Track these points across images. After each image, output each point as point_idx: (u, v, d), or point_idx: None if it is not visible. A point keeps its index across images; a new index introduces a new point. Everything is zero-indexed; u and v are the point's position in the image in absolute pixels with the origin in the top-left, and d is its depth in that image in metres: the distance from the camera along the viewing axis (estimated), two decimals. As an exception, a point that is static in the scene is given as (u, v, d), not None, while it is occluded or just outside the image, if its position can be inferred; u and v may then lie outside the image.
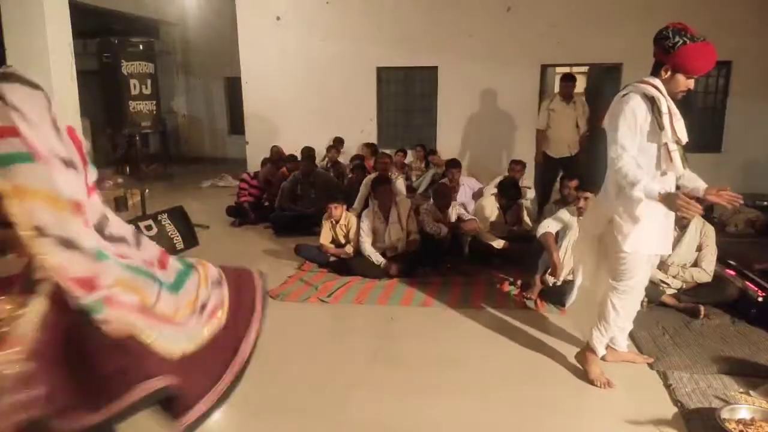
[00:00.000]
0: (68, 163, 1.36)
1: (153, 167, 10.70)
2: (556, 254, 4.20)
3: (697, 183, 2.80)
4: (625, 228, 2.80)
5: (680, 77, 2.71)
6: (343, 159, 8.47)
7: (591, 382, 2.99)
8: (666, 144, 2.70)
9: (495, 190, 5.62)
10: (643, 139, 2.72)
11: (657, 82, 2.74)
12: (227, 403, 1.64)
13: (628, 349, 3.29)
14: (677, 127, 2.71)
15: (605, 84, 8.99)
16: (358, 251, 5.00)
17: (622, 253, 2.83)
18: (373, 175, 6.42)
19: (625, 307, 2.97)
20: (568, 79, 6.49)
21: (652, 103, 2.69)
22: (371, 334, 3.77)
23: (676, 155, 2.71)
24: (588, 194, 4.12)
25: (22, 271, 1.37)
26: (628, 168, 2.65)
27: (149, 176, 10.12)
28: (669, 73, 2.72)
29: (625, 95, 2.77)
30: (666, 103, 2.70)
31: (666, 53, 2.68)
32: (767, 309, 3.72)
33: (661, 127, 2.68)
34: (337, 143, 8.84)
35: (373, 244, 4.97)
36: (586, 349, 3.10)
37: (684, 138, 2.74)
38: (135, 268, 1.49)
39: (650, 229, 2.80)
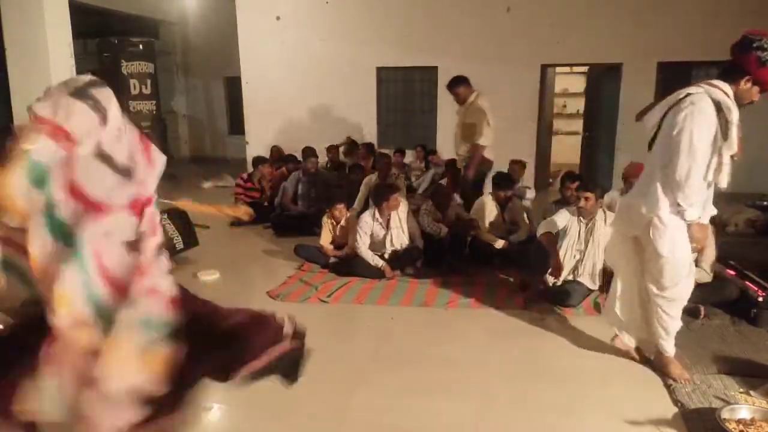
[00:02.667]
0: (120, 168, 1.58)
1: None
2: (556, 254, 4.20)
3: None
4: (663, 232, 2.78)
5: (755, 90, 2.66)
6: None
7: (673, 380, 2.98)
8: (722, 155, 2.65)
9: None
10: (707, 143, 2.67)
11: (728, 88, 2.66)
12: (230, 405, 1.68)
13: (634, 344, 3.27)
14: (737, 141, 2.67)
15: (605, 84, 8.99)
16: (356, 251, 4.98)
17: (663, 259, 2.81)
18: (374, 176, 6.42)
19: (676, 309, 2.97)
20: (449, 85, 5.68)
21: (718, 109, 2.62)
22: (371, 334, 3.77)
23: (727, 169, 2.67)
24: (588, 194, 4.12)
25: None
26: (698, 187, 2.65)
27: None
28: (749, 84, 2.65)
29: (691, 95, 2.68)
30: (735, 114, 2.62)
31: (761, 65, 2.59)
32: (767, 309, 3.72)
33: (726, 138, 2.61)
34: (351, 146, 8.81)
35: (373, 249, 4.92)
36: (658, 354, 3.10)
37: (738, 152, 2.69)
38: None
39: (684, 233, 2.81)
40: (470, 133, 5.55)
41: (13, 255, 1.54)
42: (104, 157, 1.56)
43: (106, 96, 1.59)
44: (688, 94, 2.69)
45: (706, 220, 2.89)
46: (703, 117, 2.62)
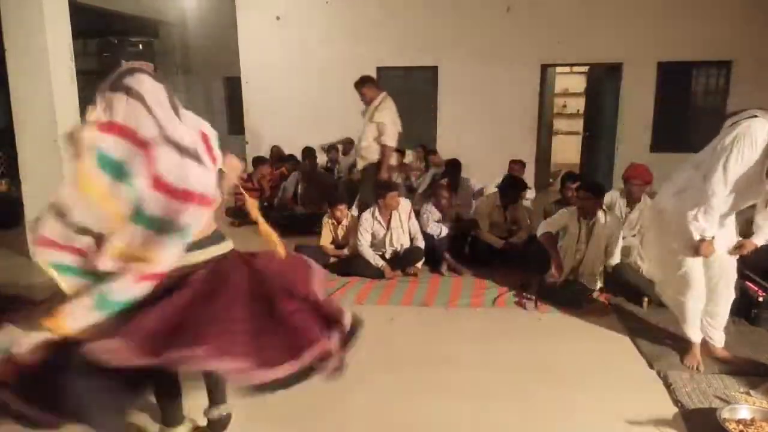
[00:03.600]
0: (184, 150, 1.68)
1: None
2: (557, 254, 4.20)
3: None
4: (671, 218, 2.90)
5: None
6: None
7: (684, 365, 3.11)
8: None
9: (495, 190, 5.61)
10: (744, 168, 2.67)
11: None
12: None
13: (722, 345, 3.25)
14: None
15: (605, 84, 8.99)
16: (357, 251, 4.98)
17: (680, 256, 2.93)
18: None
19: (687, 291, 3.05)
20: (355, 84, 5.59)
21: None
22: (371, 334, 3.76)
23: None
24: (589, 194, 4.12)
25: None
26: (716, 212, 2.73)
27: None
28: None
29: (755, 118, 2.65)
30: None
31: None
32: (767, 309, 3.72)
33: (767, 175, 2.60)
34: (347, 144, 8.80)
35: (373, 248, 4.93)
36: (685, 340, 3.21)
37: None
38: None
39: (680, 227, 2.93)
40: (378, 134, 5.51)
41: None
42: (172, 143, 1.66)
43: (138, 81, 1.70)
44: (753, 116, 2.69)
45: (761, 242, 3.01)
46: (750, 142, 2.62)
